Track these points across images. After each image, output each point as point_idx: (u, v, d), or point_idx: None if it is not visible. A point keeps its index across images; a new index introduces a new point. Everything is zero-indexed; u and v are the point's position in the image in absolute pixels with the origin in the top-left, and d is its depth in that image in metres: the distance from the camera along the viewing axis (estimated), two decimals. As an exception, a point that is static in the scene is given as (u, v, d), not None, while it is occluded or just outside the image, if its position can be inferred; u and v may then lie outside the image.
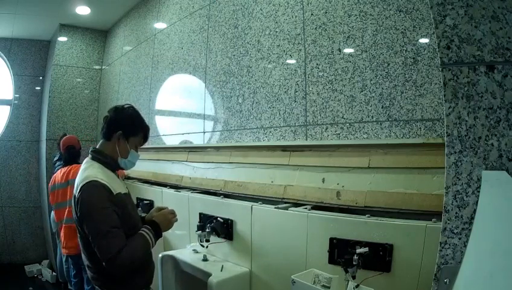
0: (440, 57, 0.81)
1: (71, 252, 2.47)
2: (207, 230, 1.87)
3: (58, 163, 2.81)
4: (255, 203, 1.76)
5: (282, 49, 1.86)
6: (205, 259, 1.85)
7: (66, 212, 2.52)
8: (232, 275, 1.69)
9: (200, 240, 1.88)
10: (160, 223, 1.48)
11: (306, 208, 1.55)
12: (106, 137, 1.48)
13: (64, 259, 2.75)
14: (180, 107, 2.84)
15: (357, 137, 1.51)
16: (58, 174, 2.65)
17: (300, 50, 1.76)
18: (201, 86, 2.48)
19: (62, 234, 2.54)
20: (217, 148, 2.25)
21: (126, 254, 1.26)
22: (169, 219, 1.53)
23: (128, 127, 1.48)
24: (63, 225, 2.52)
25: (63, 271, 2.71)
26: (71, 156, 2.68)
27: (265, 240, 1.67)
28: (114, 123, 1.46)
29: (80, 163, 2.58)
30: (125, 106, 1.52)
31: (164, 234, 2.13)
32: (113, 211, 1.30)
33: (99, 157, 1.45)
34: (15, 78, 4.50)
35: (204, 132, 2.44)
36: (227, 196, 2.05)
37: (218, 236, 1.86)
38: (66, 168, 2.64)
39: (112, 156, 1.47)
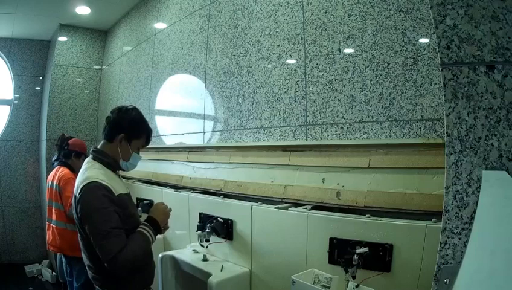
0: (440, 57, 0.81)
1: (55, 250, 2.56)
2: (207, 230, 1.87)
3: (55, 163, 2.81)
4: (255, 203, 1.76)
5: (282, 49, 1.86)
6: (205, 259, 1.85)
7: (52, 213, 2.55)
8: (232, 275, 1.69)
9: (200, 240, 1.88)
10: (157, 216, 1.47)
11: (306, 208, 1.55)
12: (108, 138, 1.47)
13: (58, 256, 2.79)
14: (180, 107, 2.84)
15: (357, 137, 1.51)
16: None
17: (300, 50, 1.76)
18: (201, 86, 2.48)
19: (49, 233, 2.57)
20: (217, 148, 2.25)
21: (127, 253, 1.26)
22: (163, 209, 1.52)
23: (131, 130, 1.47)
24: (52, 225, 2.55)
25: (63, 271, 2.72)
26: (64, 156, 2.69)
27: (265, 240, 1.67)
28: (117, 125, 1.45)
29: (65, 166, 2.61)
30: (129, 108, 1.50)
31: (164, 234, 2.13)
32: (114, 212, 1.30)
33: (101, 157, 1.45)
34: (15, 78, 4.49)
35: (204, 132, 2.44)
36: (227, 196, 2.05)
37: (218, 236, 1.86)
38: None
39: (114, 157, 1.46)
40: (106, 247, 1.25)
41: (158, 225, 1.46)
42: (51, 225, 2.55)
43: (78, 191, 1.32)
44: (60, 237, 2.45)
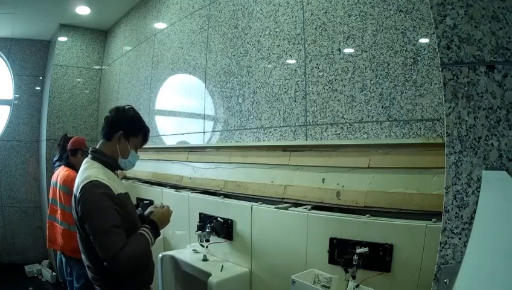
0: (440, 57, 0.81)
1: (57, 248, 2.58)
2: (207, 230, 1.87)
3: (57, 163, 2.82)
4: (255, 203, 1.76)
5: (282, 49, 1.86)
6: (205, 259, 1.85)
7: (55, 212, 2.57)
8: (232, 275, 1.69)
9: (200, 240, 1.88)
10: (158, 221, 1.48)
11: (306, 208, 1.55)
12: (107, 137, 1.48)
13: (58, 256, 2.80)
14: (180, 107, 2.84)
15: (357, 137, 1.51)
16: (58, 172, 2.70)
17: (300, 50, 1.76)
18: (201, 86, 2.48)
19: (52, 230, 2.59)
20: (217, 148, 2.25)
21: (128, 253, 1.26)
22: (165, 212, 1.55)
23: (129, 128, 1.49)
24: (56, 224, 2.57)
25: (63, 271, 2.73)
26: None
27: (265, 240, 1.67)
28: (115, 123, 1.48)
29: (66, 165, 2.61)
30: (126, 107, 1.54)
31: (164, 234, 2.14)
32: (115, 210, 1.30)
33: (100, 157, 1.45)
34: (15, 78, 4.49)
35: (204, 132, 2.44)
36: (227, 196, 2.05)
37: (218, 236, 1.86)
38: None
39: (113, 156, 1.48)
40: (107, 245, 1.25)
41: (157, 229, 1.47)
42: (55, 223, 2.55)
43: (79, 190, 1.32)
44: (63, 237, 2.45)
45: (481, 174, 0.76)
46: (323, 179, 1.59)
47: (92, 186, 1.30)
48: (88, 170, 1.37)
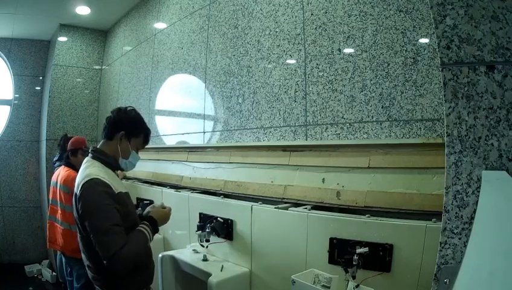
0: (440, 57, 0.81)
1: (57, 248, 2.58)
2: (207, 230, 1.87)
3: (57, 163, 2.82)
4: (255, 203, 1.76)
5: (282, 49, 1.86)
6: (205, 259, 1.85)
7: (56, 212, 2.56)
8: (232, 275, 1.69)
9: (200, 240, 1.88)
10: (157, 218, 1.49)
11: (306, 208, 1.55)
12: (108, 137, 1.49)
13: (58, 256, 2.80)
14: (180, 107, 2.84)
15: (357, 137, 1.51)
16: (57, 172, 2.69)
17: (300, 50, 1.76)
18: (201, 86, 2.48)
19: (53, 230, 2.59)
20: (217, 148, 2.25)
21: (128, 251, 1.26)
22: (166, 212, 1.56)
23: (131, 128, 1.50)
24: (57, 225, 2.57)
25: (63, 271, 2.73)
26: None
27: (265, 240, 1.67)
28: (117, 123, 1.49)
29: (66, 165, 2.60)
30: (129, 108, 1.55)
31: (164, 234, 2.13)
32: (115, 209, 1.30)
33: (100, 156, 1.46)
34: (15, 78, 4.49)
35: (204, 132, 2.44)
36: (227, 196, 2.06)
37: (218, 236, 1.86)
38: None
39: (114, 156, 1.48)
40: (107, 244, 1.25)
41: (156, 225, 1.47)
42: (55, 223, 2.55)
43: (79, 189, 1.32)
44: (64, 237, 2.45)
45: (481, 174, 0.76)
46: (323, 179, 1.59)
47: (92, 185, 1.30)
48: (88, 169, 1.38)
